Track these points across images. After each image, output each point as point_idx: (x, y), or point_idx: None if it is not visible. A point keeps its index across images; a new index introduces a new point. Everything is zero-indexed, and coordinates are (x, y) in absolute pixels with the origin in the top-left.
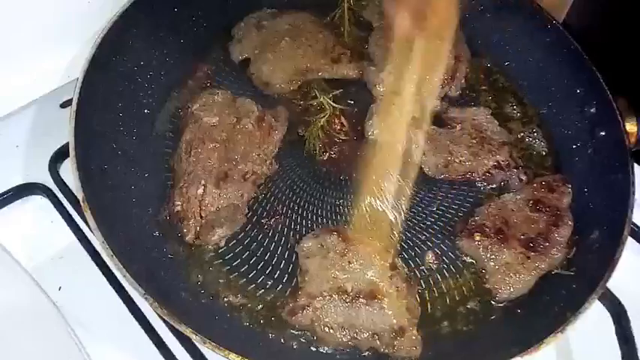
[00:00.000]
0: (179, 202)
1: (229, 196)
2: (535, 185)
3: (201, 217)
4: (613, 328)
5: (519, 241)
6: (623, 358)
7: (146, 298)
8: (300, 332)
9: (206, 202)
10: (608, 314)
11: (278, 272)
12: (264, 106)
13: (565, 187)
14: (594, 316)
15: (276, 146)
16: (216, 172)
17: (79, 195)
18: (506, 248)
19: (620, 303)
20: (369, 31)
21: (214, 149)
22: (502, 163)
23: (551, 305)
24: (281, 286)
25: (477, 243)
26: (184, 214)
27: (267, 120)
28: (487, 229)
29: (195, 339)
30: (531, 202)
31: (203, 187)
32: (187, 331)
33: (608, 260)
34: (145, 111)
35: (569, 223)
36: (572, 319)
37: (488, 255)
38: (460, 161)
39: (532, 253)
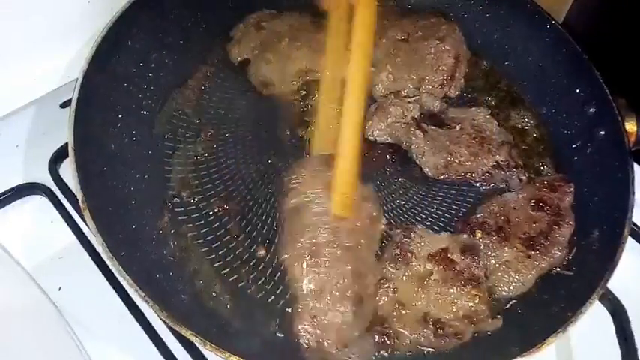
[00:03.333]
0: None
1: None
2: (537, 184)
3: None
4: (613, 327)
5: (520, 240)
6: (623, 358)
7: (146, 301)
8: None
9: None
10: (608, 314)
11: (279, 274)
12: (262, 108)
13: (567, 186)
14: (594, 316)
15: None
16: None
17: (79, 196)
18: (507, 246)
19: (620, 303)
20: None
21: None
22: (502, 163)
23: (552, 305)
24: (281, 287)
25: (478, 241)
26: None
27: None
28: (488, 227)
29: (196, 341)
30: (533, 201)
31: None
32: (188, 334)
33: (608, 260)
34: (144, 112)
35: (571, 222)
36: (572, 319)
37: (489, 253)
38: (460, 161)
39: (532, 252)
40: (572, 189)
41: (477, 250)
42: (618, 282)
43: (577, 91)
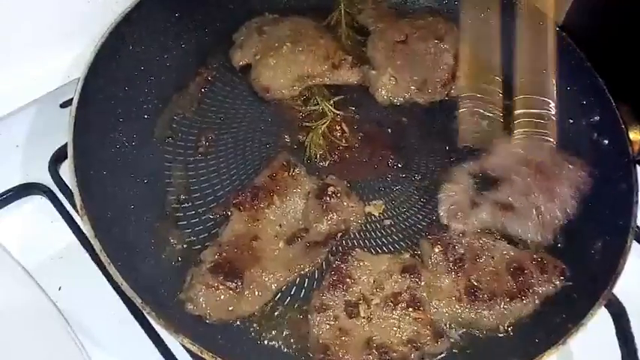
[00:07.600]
0: None
1: None
2: (534, 255)
3: None
4: (613, 328)
5: (468, 283)
6: (623, 358)
7: (143, 308)
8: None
9: None
10: (608, 314)
11: None
12: (263, 112)
13: (557, 277)
14: (594, 317)
15: None
16: None
17: (78, 202)
18: (452, 279)
19: (620, 303)
20: (367, 35)
21: None
22: None
23: (553, 316)
24: (280, 294)
25: (432, 254)
26: None
27: None
28: (451, 250)
29: (194, 349)
30: (515, 264)
31: None
32: (185, 342)
33: (610, 271)
34: (145, 116)
35: (528, 305)
36: (573, 331)
37: (433, 269)
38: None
39: (467, 299)
40: (559, 284)
41: (417, 270)
42: (619, 283)
43: (581, 99)
